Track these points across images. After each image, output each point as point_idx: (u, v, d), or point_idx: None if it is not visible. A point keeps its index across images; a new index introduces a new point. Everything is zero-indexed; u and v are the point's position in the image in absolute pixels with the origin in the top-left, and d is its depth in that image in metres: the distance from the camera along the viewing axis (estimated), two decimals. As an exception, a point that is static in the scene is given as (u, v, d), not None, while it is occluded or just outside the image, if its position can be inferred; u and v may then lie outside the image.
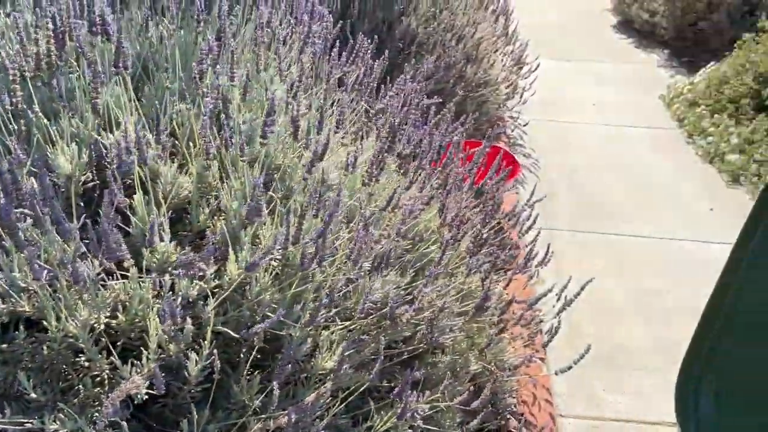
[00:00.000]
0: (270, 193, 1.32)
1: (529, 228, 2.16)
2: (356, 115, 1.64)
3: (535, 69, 3.88)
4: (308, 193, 1.31)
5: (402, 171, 1.60)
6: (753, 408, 1.49)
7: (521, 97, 3.89)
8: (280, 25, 1.66)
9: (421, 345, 1.43)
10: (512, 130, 3.90)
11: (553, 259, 2.27)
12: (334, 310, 1.34)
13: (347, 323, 1.34)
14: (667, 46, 5.34)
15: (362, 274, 1.36)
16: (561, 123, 4.12)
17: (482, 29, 3.57)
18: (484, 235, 1.66)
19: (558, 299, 2.05)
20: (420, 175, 1.56)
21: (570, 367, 1.83)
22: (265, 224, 1.30)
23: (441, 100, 2.14)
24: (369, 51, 1.84)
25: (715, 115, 3.95)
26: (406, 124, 1.59)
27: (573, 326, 2.47)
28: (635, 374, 2.34)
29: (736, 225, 3.09)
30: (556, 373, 1.86)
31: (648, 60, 5.16)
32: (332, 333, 1.34)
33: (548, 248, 2.12)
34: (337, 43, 1.77)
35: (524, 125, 3.92)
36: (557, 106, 4.29)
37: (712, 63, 4.61)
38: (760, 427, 1.43)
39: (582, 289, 2.00)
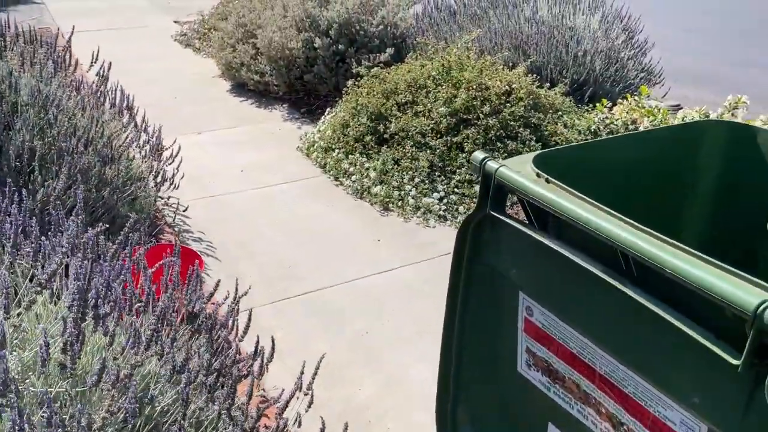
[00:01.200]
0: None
1: (246, 330, 2.04)
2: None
3: (178, 152, 3.75)
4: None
5: (104, 330, 1.34)
6: (506, 427, 1.66)
7: (171, 182, 3.71)
8: None
9: None
10: (173, 219, 3.70)
11: (267, 338, 2.19)
12: None
13: None
14: (284, 101, 5.73)
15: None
16: (218, 197, 4.07)
17: (110, 126, 3.30)
18: (215, 365, 1.50)
19: (299, 389, 1.99)
20: (128, 329, 1.32)
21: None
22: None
23: (107, 225, 1.87)
24: None
25: (350, 156, 4.37)
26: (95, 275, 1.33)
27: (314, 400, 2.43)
28: (380, 424, 2.42)
29: (401, 246, 3.45)
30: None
31: (273, 117, 5.46)
32: None
33: (273, 341, 2.04)
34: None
35: (184, 210, 3.75)
36: (209, 182, 4.23)
37: (328, 110, 5.09)
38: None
39: (315, 373, 1.98)
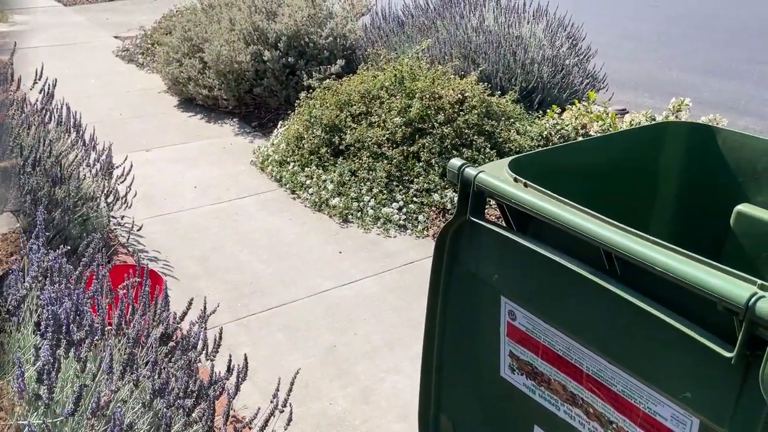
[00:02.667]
0: None
1: (217, 349, 1.98)
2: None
3: (129, 170, 3.64)
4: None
5: (77, 357, 1.27)
6: (487, 428, 1.66)
7: (124, 201, 3.59)
8: None
9: None
10: (127, 239, 3.58)
11: (234, 356, 2.13)
12: None
13: None
14: (234, 115, 5.64)
15: None
16: (173, 215, 3.96)
17: (57, 145, 3.17)
18: (193, 387, 1.45)
19: (276, 406, 1.94)
20: (101, 354, 1.26)
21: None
22: None
23: (69, 247, 1.79)
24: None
25: (306, 169, 4.33)
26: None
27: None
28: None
29: (364, 258, 3.47)
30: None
31: (224, 132, 5.36)
32: None
33: (246, 358, 1.98)
34: None
35: (138, 229, 3.63)
36: (163, 199, 4.12)
37: (280, 123, 5.04)
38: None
39: (290, 389, 1.94)
